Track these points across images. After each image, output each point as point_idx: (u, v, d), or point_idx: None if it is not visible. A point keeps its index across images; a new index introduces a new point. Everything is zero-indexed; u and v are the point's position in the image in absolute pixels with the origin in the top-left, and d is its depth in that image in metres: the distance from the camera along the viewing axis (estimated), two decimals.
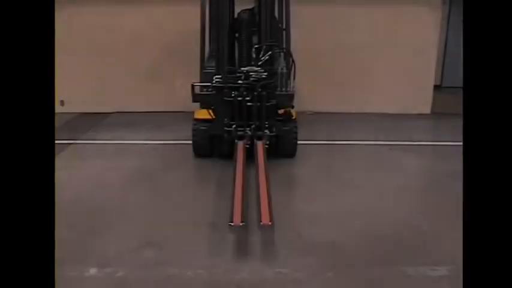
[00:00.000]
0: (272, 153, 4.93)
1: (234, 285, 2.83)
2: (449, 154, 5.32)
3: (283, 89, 4.82)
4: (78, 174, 4.66)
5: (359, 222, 3.66)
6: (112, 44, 7.13)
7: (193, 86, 4.84)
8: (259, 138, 4.71)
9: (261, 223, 3.12)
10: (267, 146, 4.69)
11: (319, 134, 6.19)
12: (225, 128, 4.75)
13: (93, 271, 2.97)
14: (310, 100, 7.36)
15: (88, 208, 3.89)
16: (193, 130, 4.99)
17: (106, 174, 4.66)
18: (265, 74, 4.67)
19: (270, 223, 3.10)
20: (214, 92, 4.79)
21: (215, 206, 3.91)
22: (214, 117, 4.91)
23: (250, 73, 4.65)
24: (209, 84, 4.84)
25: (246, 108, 4.67)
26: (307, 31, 6.93)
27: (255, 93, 4.61)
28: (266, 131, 4.73)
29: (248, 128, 4.72)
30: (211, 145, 5.02)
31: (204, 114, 5.01)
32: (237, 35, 5.15)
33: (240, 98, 4.64)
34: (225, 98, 4.68)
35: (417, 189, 4.38)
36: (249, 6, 5.40)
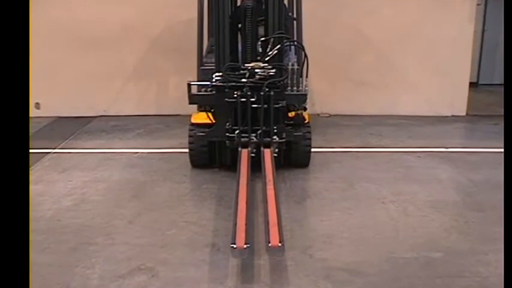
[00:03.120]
0: (282, 163, 4.92)
1: None
2: (487, 163, 5.32)
3: (294, 89, 4.83)
4: (57, 189, 4.67)
5: (382, 242, 3.65)
6: (96, 38, 7.17)
7: (189, 85, 4.85)
8: (267, 145, 4.71)
9: (269, 245, 3.11)
10: (275, 155, 4.69)
11: (336, 140, 6.18)
12: (227, 134, 4.75)
13: None
14: (326, 101, 7.37)
15: (68, 228, 3.89)
16: (190, 136, 5.00)
17: (89, 189, 4.66)
18: (273, 71, 4.67)
19: (279, 244, 3.09)
20: (214, 92, 4.80)
21: (215, 225, 3.91)
22: (214, 121, 4.92)
23: (256, 70, 4.65)
24: (208, 83, 4.85)
25: (251, 111, 4.68)
26: (321, 21, 6.96)
27: (262, 93, 4.61)
28: (274, 137, 4.73)
29: (254, 134, 4.72)
30: (210, 154, 5.03)
31: (202, 117, 5.02)
32: (240, 25, 5.16)
33: (243, 99, 4.64)
34: (227, 99, 4.68)
35: (448, 204, 4.35)
36: None
